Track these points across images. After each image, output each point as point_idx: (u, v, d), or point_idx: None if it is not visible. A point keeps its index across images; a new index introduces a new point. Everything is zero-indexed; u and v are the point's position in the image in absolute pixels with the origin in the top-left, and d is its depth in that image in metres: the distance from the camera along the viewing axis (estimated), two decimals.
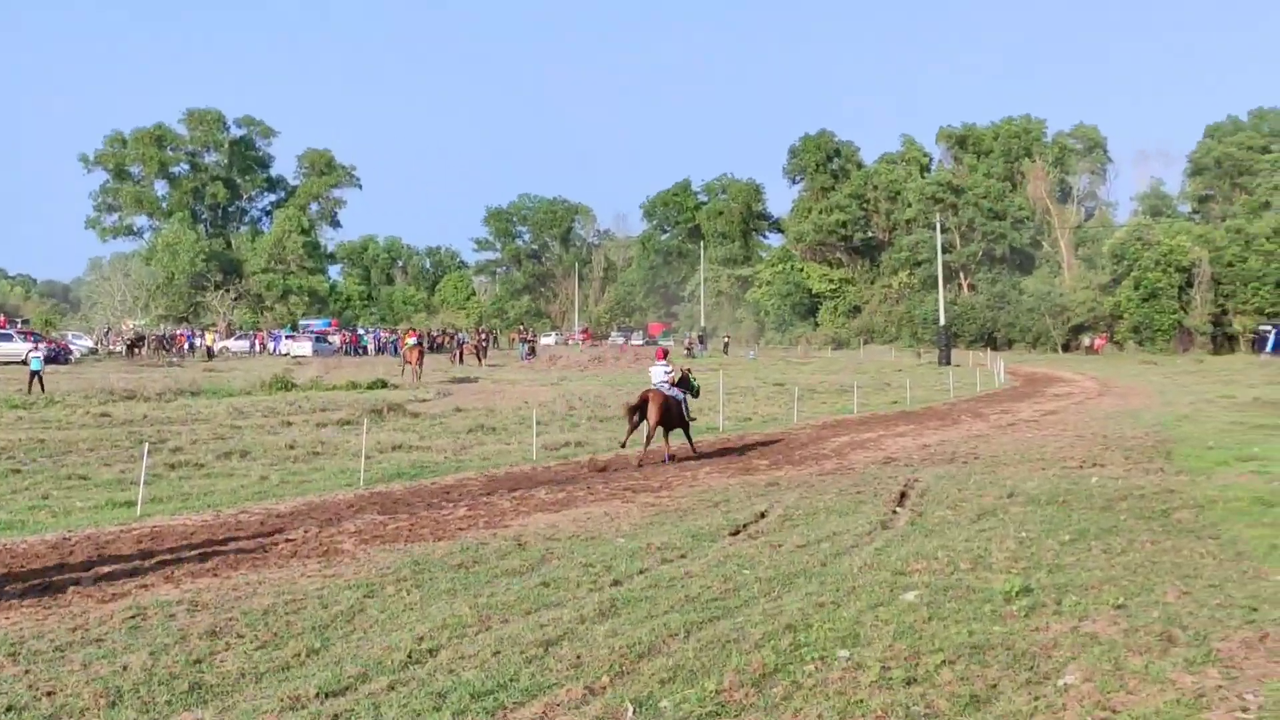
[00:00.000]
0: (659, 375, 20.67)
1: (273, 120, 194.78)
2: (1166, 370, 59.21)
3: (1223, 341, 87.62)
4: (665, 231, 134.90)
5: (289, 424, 24.96)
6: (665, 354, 21.74)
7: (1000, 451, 20.71)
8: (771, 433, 25.56)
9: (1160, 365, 65.70)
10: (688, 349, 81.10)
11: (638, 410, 19.89)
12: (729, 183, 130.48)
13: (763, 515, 13.70)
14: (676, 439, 21.44)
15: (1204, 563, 10.64)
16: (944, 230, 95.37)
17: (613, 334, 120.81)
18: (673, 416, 20.14)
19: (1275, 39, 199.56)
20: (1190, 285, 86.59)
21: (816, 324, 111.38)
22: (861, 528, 12.69)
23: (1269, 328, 78.20)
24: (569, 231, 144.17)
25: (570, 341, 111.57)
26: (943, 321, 73.17)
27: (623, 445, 20.62)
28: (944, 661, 7.70)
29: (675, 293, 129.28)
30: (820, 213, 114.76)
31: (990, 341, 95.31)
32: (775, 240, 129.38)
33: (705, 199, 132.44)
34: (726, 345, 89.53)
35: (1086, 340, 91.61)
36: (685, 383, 21.09)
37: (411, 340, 47.82)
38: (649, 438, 19.67)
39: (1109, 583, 9.79)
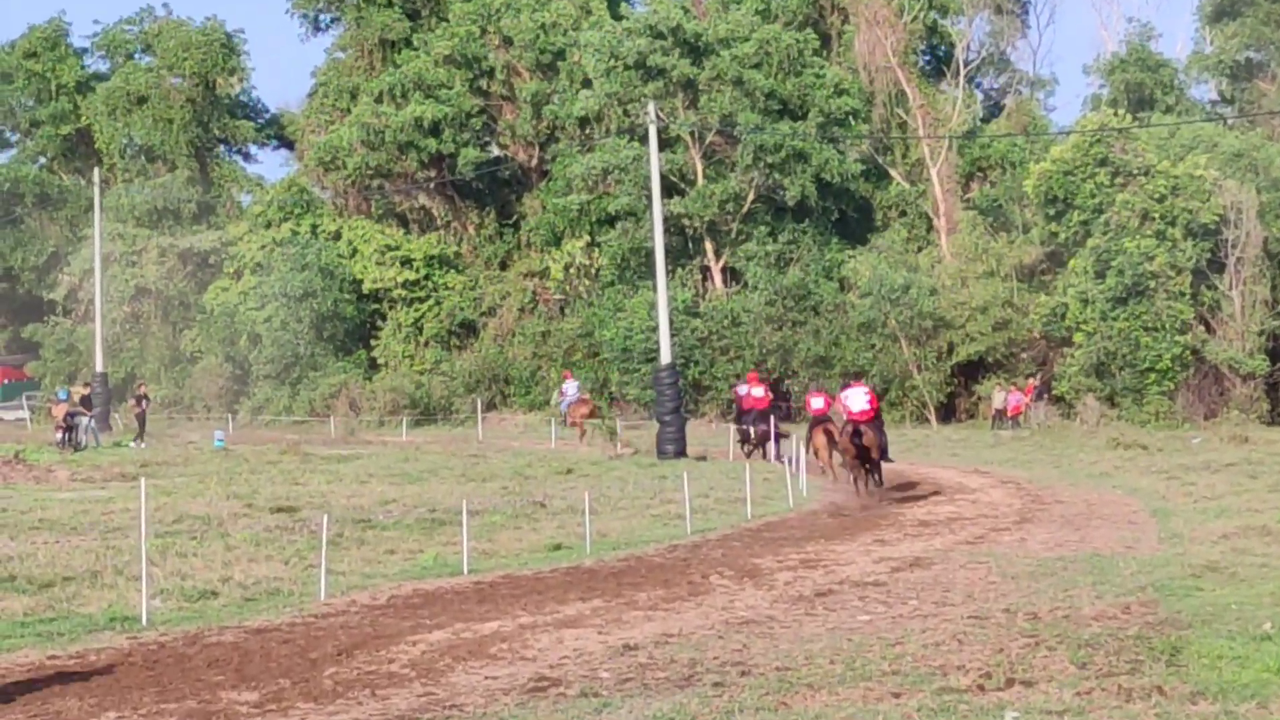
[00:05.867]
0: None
1: None
2: (1169, 459, 62.03)
3: None
4: (9, 146, 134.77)
5: None
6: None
7: (799, 656, 21.27)
8: (272, 621, 25.64)
9: (1155, 450, 68.90)
10: (64, 430, 79.27)
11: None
12: (161, 28, 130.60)
13: None
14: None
15: None
16: (667, 141, 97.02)
17: None
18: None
19: None
20: (1219, 267, 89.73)
21: (375, 363, 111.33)
22: None
23: None
24: None
25: None
26: (667, 357, 74.19)
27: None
28: None
29: (35, 292, 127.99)
30: (381, 101, 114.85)
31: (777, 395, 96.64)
32: (274, 168, 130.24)
33: (102, 66, 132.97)
34: (143, 416, 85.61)
35: (995, 397, 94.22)
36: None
37: None
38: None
39: None
